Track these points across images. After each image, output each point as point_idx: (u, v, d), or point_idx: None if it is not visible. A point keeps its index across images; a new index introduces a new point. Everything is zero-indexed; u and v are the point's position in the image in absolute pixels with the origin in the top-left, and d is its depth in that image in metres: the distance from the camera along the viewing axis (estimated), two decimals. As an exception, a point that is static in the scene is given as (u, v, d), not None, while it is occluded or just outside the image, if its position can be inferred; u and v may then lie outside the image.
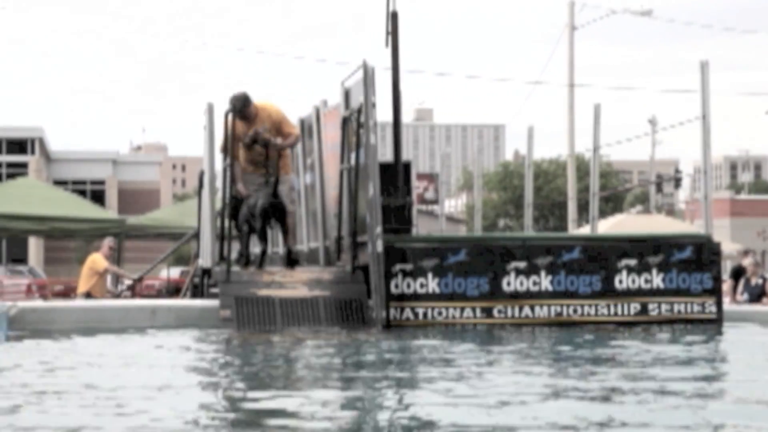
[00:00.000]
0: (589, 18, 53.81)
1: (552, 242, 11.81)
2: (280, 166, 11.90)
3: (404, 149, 13.50)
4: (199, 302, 11.97)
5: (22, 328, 10.45)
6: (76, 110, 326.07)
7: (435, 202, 36.26)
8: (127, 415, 5.48)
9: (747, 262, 17.39)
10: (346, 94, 12.04)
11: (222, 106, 11.90)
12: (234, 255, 11.86)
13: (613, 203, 70.70)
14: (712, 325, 11.36)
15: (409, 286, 11.05)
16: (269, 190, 11.63)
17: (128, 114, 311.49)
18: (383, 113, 12.16)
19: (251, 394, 6.42)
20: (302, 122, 13.93)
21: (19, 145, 66.89)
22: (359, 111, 11.19)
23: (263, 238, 11.79)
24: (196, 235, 14.62)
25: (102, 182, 70.62)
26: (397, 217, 12.51)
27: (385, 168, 12.22)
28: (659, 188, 71.99)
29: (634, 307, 11.41)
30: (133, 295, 18.98)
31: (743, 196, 76.35)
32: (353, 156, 11.56)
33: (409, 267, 11.07)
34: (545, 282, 11.29)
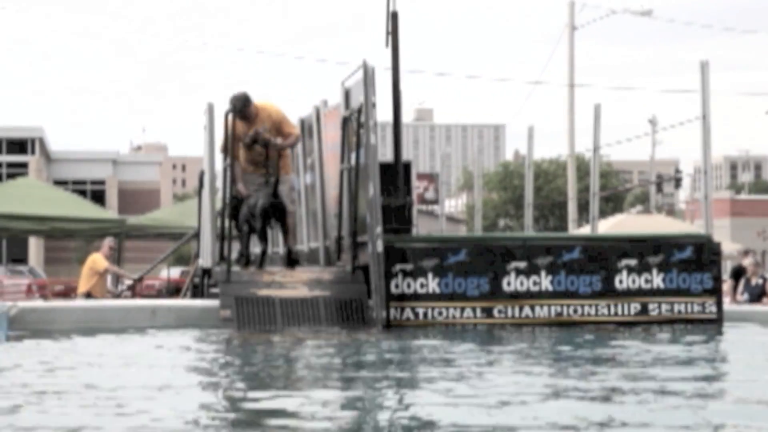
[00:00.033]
0: (589, 18, 53.80)
1: (552, 242, 11.81)
2: (280, 166, 11.91)
3: (404, 149, 13.50)
4: (199, 302, 11.97)
5: (22, 328, 10.45)
6: (76, 110, 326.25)
7: (435, 202, 36.26)
8: (127, 415, 5.48)
9: (747, 262, 17.39)
10: (347, 94, 12.04)
11: (222, 106, 11.91)
12: (234, 255, 11.86)
13: (613, 203, 70.70)
14: (713, 326, 11.36)
15: (409, 286, 11.06)
16: (269, 190, 11.64)
17: (128, 114, 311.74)
18: (383, 113, 12.17)
19: (251, 394, 6.42)
20: (302, 122, 13.93)
21: (19, 145, 66.91)
22: (359, 111, 11.19)
23: (263, 238, 11.80)
24: (197, 235, 14.61)
25: (102, 182, 70.64)
26: (398, 217, 12.51)
27: (385, 168, 12.22)
28: (659, 188, 71.99)
29: (635, 307, 11.42)
30: (134, 295, 18.98)
31: (743, 196, 76.36)
32: (353, 156, 11.57)
33: (409, 267, 11.07)
34: (545, 282, 11.29)
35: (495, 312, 11.17)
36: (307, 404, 5.92)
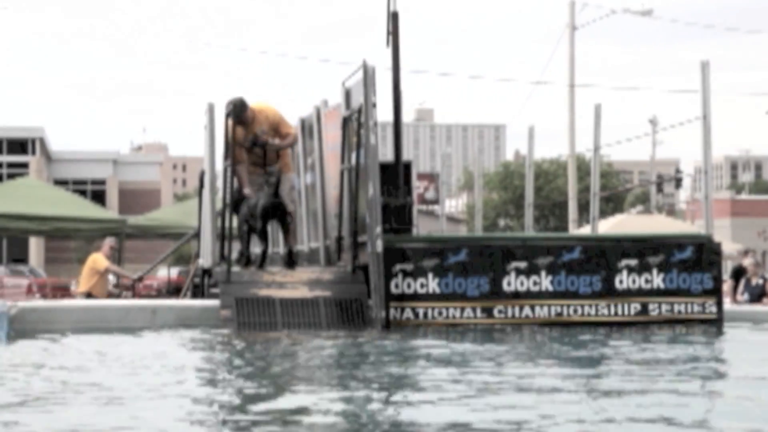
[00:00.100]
0: (589, 18, 53.82)
1: (552, 242, 11.81)
2: (280, 165, 11.94)
3: (405, 149, 13.50)
4: (199, 302, 11.97)
5: (22, 327, 10.46)
6: (76, 110, 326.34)
7: (435, 202, 36.24)
8: (126, 416, 5.48)
9: (747, 262, 17.39)
10: (347, 94, 12.05)
11: (222, 106, 11.93)
12: (234, 255, 11.86)
13: (613, 203, 70.67)
14: (713, 326, 11.36)
15: (409, 286, 11.06)
16: (270, 190, 11.65)
17: (129, 114, 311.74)
18: (384, 113, 12.18)
19: (251, 395, 6.42)
20: (303, 122, 13.93)
21: (19, 145, 66.92)
22: (360, 111, 11.20)
23: (264, 238, 11.81)
24: (197, 235, 14.62)
25: (103, 182, 70.65)
26: (398, 217, 12.51)
27: (385, 168, 12.23)
28: (660, 188, 71.94)
29: (635, 307, 11.42)
30: (134, 295, 18.99)
31: (744, 196, 76.34)
32: (354, 156, 11.57)
33: (409, 267, 11.08)
34: (545, 282, 11.29)
35: (495, 312, 11.17)
36: (307, 404, 5.92)
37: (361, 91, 11.19)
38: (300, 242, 13.88)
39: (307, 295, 10.98)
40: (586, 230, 23.26)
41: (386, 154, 16.88)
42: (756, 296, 16.79)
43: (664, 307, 11.47)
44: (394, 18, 12.71)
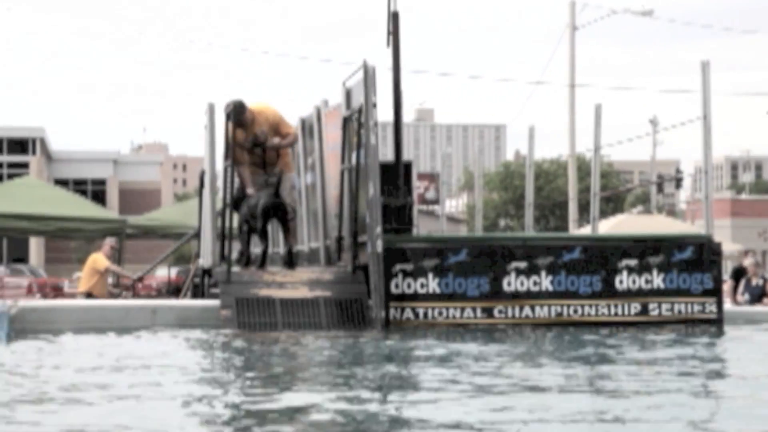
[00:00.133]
0: (590, 18, 53.84)
1: (553, 242, 11.82)
2: (281, 165, 11.95)
3: (405, 149, 13.49)
4: (199, 302, 11.97)
5: (23, 327, 10.46)
6: (77, 110, 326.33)
7: (436, 202, 36.24)
8: (127, 415, 5.48)
9: (748, 262, 17.39)
10: (347, 94, 12.05)
11: (222, 107, 11.94)
12: (234, 255, 11.86)
13: (613, 203, 70.62)
14: (713, 326, 11.36)
15: (409, 286, 11.06)
16: (271, 189, 11.66)
17: (129, 114, 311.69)
18: (384, 113, 12.17)
19: (251, 395, 6.42)
20: (303, 122, 13.94)
21: (20, 145, 66.92)
22: (360, 111, 11.20)
23: (264, 238, 11.81)
24: (197, 235, 14.62)
25: (103, 182, 70.66)
26: (398, 217, 12.51)
27: (385, 168, 12.23)
28: (660, 188, 71.87)
29: (635, 307, 11.41)
30: (133, 295, 18.99)
31: (744, 196, 76.32)
32: (354, 156, 11.57)
33: (409, 267, 11.08)
34: (546, 282, 11.29)
35: (495, 312, 11.17)
36: (307, 404, 5.92)
37: (361, 91, 11.20)
38: (300, 242, 13.88)
39: (307, 295, 10.98)
40: (586, 230, 23.26)
41: (386, 154, 16.88)
42: (756, 296, 16.79)
43: (665, 308, 11.47)
44: (394, 18, 12.71)
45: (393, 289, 11.00)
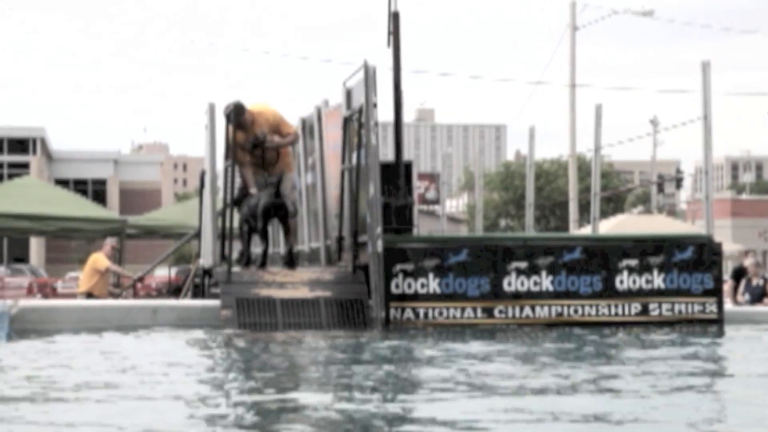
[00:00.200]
0: (590, 18, 53.82)
1: (553, 242, 11.82)
2: (282, 165, 11.95)
3: (405, 149, 13.49)
4: (200, 302, 11.98)
5: (23, 327, 10.46)
6: (77, 110, 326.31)
7: (436, 202, 36.23)
8: (126, 416, 5.48)
9: (748, 262, 17.38)
10: (348, 94, 12.05)
11: (223, 106, 11.93)
12: (235, 255, 11.86)
13: (614, 203, 70.61)
14: (713, 326, 11.36)
15: (410, 286, 11.06)
16: (271, 189, 11.67)
17: (129, 113, 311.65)
18: (385, 113, 12.16)
19: (251, 395, 6.42)
20: (303, 122, 13.94)
21: (20, 145, 66.93)
22: (360, 111, 11.20)
23: (264, 238, 11.82)
24: (198, 235, 14.63)
25: (103, 182, 70.67)
26: (399, 217, 12.51)
27: (386, 168, 12.23)
28: (660, 188, 71.84)
29: (635, 307, 11.42)
30: (133, 295, 18.99)
31: (745, 196, 76.32)
32: (354, 156, 11.57)
33: (410, 267, 11.08)
34: (546, 282, 11.29)
35: (496, 312, 11.18)
36: (307, 405, 5.92)
37: (362, 91, 11.20)
38: (301, 242, 13.88)
39: (307, 295, 10.98)
40: (586, 230, 23.26)
41: (387, 154, 16.88)
42: (757, 297, 16.78)
43: (665, 308, 11.47)
44: (394, 18, 12.71)
45: (393, 289, 11.00)
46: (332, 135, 12.71)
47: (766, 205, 65.22)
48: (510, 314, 11.20)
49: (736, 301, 16.73)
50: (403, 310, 11.00)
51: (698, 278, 11.56)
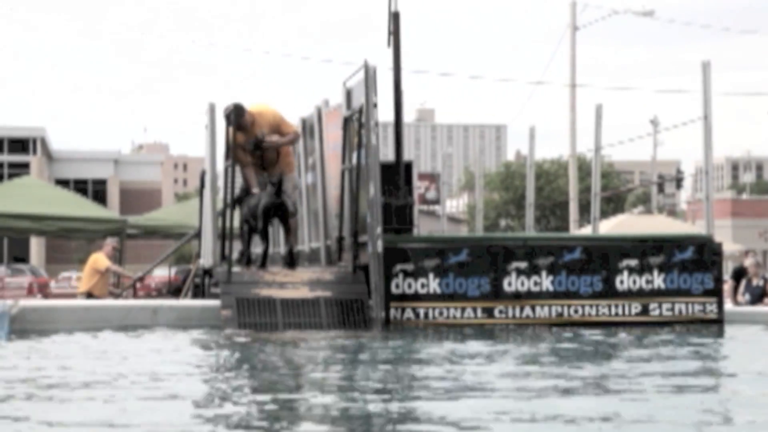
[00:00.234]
0: (591, 18, 53.80)
1: (553, 242, 11.82)
2: (282, 166, 11.95)
3: (406, 149, 13.48)
4: (200, 302, 11.98)
5: (23, 327, 10.46)
6: (77, 110, 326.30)
7: (436, 202, 36.23)
8: (129, 416, 5.48)
9: (748, 262, 17.38)
10: (348, 94, 12.05)
11: (224, 106, 11.93)
12: (235, 255, 11.86)
13: (614, 204, 70.60)
14: (713, 326, 11.36)
15: (410, 286, 11.06)
16: (271, 189, 11.67)
17: (130, 113, 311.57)
18: (385, 113, 12.16)
19: (251, 395, 6.43)
20: (304, 122, 13.94)
21: (20, 145, 66.96)
22: (361, 111, 11.20)
23: (265, 238, 11.81)
24: (198, 235, 14.63)
25: (103, 182, 70.71)
26: (399, 217, 12.51)
27: (386, 168, 12.23)
28: (661, 189, 71.82)
29: (635, 307, 11.42)
30: (133, 295, 19.00)
31: (745, 196, 76.31)
32: (355, 156, 11.57)
33: (410, 267, 11.08)
34: (546, 282, 11.29)
35: (496, 312, 11.18)
36: (307, 405, 5.92)
37: (362, 91, 11.20)
38: (301, 242, 13.88)
39: (307, 296, 10.98)
40: (587, 230, 23.25)
41: (387, 154, 16.88)
42: (757, 297, 16.78)
43: (665, 308, 11.47)
44: (395, 18, 12.72)
45: (393, 289, 11.00)
46: (332, 135, 12.71)
47: (766, 205, 65.22)
48: (510, 314, 11.20)
49: (736, 302, 16.73)
50: (403, 310, 11.00)
51: (698, 278, 11.56)
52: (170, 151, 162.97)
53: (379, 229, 10.77)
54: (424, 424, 5.23)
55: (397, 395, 6.32)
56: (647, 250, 11.56)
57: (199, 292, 13.43)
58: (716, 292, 11.63)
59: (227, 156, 12.00)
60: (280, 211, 11.76)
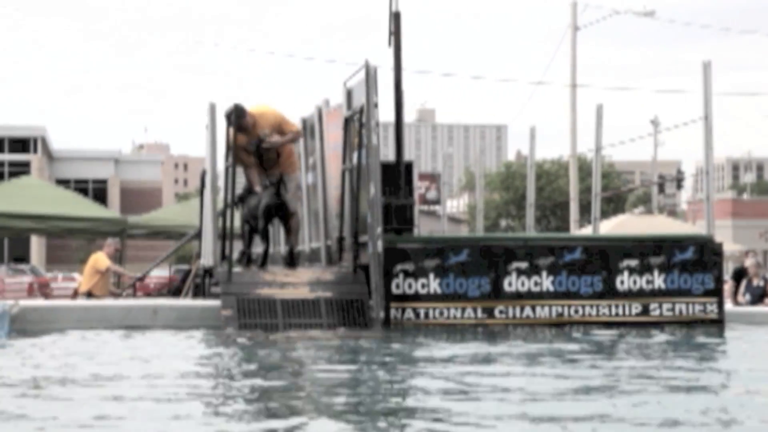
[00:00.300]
0: (591, 18, 53.80)
1: (554, 243, 11.82)
2: (285, 165, 11.96)
3: (406, 149, 13.47)
4: (200, 302, 11.98)
5: (23, 327, 10.46)
6: (78, 109, 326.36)
7: (437, 202, 36.25)
8: (133, 416, 5.49)
9: (749, 263, 17.38)
10: (349, 94, 12.05)
11: (225, 106, 11.94)
12: (236, 255, 11.86)
13: (615, 204, 70.64)
14: (714, 326, 11.36)
15: (410, 286, 11.06)
16: (272, 189, 11.68)
17: (130, 113, 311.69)
18: (385, 113, 12.17)
19: (251, 395, 6.43)
20: (304, 122, 13.94)
21: (21, 144, 66.98)
22: (361, 111, 11.20)
23: (265, 238, 11.82)
24: (198, 235, 14.63)
25: (104, 181, 70.74)
26: (399, 217, 12.51)
27: (386, 168, 12.23)
28: (661, 189, 71.84)
29: (636, 307, 11.42)
30: (134, 294, 19.01)
31: (745, 197, 76.32)
32: (355, 156, 11.57)
33: (410, 267, 11.08)
34: (547, 282, 11.29)
35: (496, 312, 11.18)
36: (307, 405, 5.92)
37: (362, 91, 11.20)
38: (301, 242, 13.88)
39: (308, 296, 10.98)
40: (587, 231, 23.26)
41: (388, 155, 16.88)
42: (757, 297, 16.78)
43: (665, 308, 11.47)
44: (396, 18, 12.71)
45: (394, 290, 11.00)
46: (333, 135, 12.71)
47: (766, 205, 65.24)
48: (510, 314, 11.20)
49: (736, 302, 16.74)
50: (403, 310, 11.01)
51: (699, 278, 11.57)
52: (171, 151, 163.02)
53: (379, 229, 10.77)
54: (424, 423, 5.23)
55: (397, 395, 6.32)
56: (648, 250, 11.56)
57: (199, 292, 13.43)
58: (717, 293, 11.63)
59: (228, 154, 12.01)
60: (280, 211, 11.76)
